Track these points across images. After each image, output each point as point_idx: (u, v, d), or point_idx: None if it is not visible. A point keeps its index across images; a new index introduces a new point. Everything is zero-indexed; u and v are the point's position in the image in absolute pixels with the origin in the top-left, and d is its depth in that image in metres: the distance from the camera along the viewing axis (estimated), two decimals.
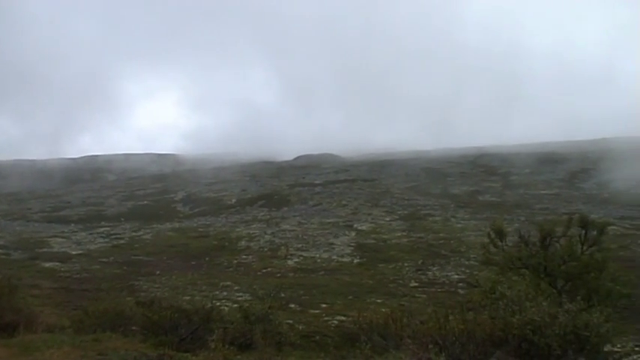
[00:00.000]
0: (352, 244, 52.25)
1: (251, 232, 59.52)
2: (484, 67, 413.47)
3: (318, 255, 48.60)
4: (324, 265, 45.40)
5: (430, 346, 11.40)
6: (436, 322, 12.11)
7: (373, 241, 53.59)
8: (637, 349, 26.70)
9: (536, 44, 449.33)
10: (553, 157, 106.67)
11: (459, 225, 59.68)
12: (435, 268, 42.99)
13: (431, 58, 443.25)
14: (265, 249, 51.58)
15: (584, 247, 19.34)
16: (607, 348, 25.60)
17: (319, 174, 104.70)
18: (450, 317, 12.23)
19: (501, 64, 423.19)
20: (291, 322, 27.41)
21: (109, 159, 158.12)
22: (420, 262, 44.81)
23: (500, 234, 19.49)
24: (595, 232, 19.62)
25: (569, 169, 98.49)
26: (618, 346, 26.63)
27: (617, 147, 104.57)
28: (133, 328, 18.93)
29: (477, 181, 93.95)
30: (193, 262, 47.51)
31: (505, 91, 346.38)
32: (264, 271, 43.79)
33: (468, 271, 40.64)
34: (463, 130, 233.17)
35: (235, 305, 28.02)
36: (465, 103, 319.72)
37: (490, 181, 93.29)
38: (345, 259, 47.21)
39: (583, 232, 19.46)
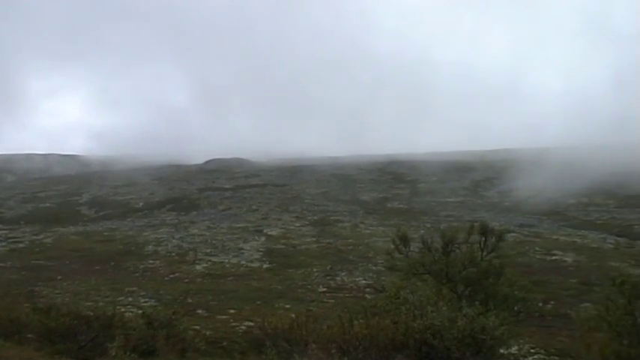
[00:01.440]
0: (262, 250, 52.18)
1: (159, 236, 58.49)
2: (396, 76, 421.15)
3: (227, 260, 48.28)
4: (233, 270, 45.13)
5: (333, 350, 11.55)
6: (340, 327, 12.28)
7: (283, 247, 53.71)
8: (532, 351, 27.94)
9: (445, 55, 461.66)
10: (459, 166, 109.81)
11: (368, 231, 60.62)
12: (343, 274, 43.41)
13: (344, 66, 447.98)
14: (173, 254, 50.78)
15: (484, 254, 20.06)
16: (505, 350, 26.72)
17: (229, 178, 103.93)
18: (354, 322, 12.42)
19: (412, 73, 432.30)
20: (198, 327, 27.13)
21: (9, 159, 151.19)
22: (328, 268, 45.15)
23: (405, 240, 19.96)
24: (494, 239, 20.37)
25: (473, 178, 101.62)
26: (515, 348, 27.77)
27: (519, 157, 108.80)
28: (29, 335, 18.21)
29: (386, 188, 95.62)
30: (97, 267, 46.23)
31: (415, 101, 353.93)
32: (171, 276, 43.11)
33: (375, 276, 41.30)
34: (374, 138, 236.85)
35: (140, 311, 27.53)
36: (377, 111, 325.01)
37: (398, 189, 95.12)
38: (254, 265, 47.09)
39: (483, 239, 20.18)
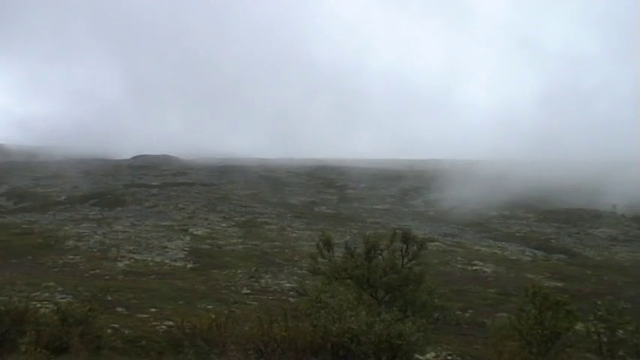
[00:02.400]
0: (186, 249, 51.59)
1: (80, 231, 57.06)
2: (331, 81, 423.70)
3: (150, 258, 47.49)
4: (156, 268, 44.43)
5: (250, 352, 11.57)
6: (259, 329, 12.31)
7: (208, 247, 53.25)
8: (449, 358, 28.57)
9: (379, 64, 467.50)
10: (388, 174, 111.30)
11: (294, 234, 60.79)
12: (267, 276, 43.38)
13: (280, 69, 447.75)
14: (94, 250, 49.61)
15: (405, 261, 20.44)
16: (422, 357, 27.26)
17: (157, 175, 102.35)
18: (274, 324, 12.48)
19: (347, 80, 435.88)
20: (116, 326, 26.60)
21: None
22: (253, 270, 45.03)
23: (329, 245, 20.15)
24: (415, 247, 20.79)
25: (401, 187, 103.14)
26: (433, 354, 28.36)
27: (447, 168, 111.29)
28: None
29: (315, 192, 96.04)
30: (14, 261, 44.68)
31: (349, 107, 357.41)
32: (91, 272, 42.09)
33: (299, 279, 41.38)
34: (306, 142, 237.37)
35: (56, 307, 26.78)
36: (310, 115, 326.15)
37: (327, 194, 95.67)
38: (178, 264, 46.49)
39: (405, 246, 20.56)
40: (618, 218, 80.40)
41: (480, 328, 31.70)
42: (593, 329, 9.83)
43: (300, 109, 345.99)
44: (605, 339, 9.31)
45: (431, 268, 45.02)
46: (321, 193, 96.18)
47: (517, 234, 70.76)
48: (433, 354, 28.28)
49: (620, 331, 9.22)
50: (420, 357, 26.72)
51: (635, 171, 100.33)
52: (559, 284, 43.81)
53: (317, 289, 17.22)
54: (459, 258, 53.45)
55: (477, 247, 59.74)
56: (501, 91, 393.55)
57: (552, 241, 67.35)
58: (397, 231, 21.63)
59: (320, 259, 20.39)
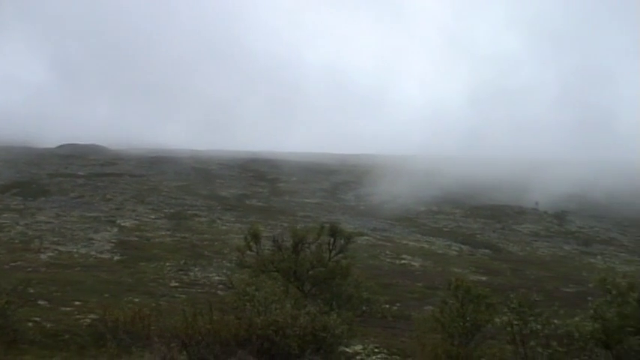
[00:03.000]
0: (113, 241, 50.58)
1: (1, 221, 55.24)
2: (266, 74, 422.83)
3: (75, 250, 46.36)
4: (81, 260, 43.37)
5: (172, 344, 11.49)
6: (184, 322, 12.23)
7: (136, 239, 52.37)
8: (376, 350, 28.96)
9: (316, 58, 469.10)
10: (320, 168, 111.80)
11: (224, 227, 60.41)
12: (196, 269, 42.99)
13: (215, 60, 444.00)
14: (16, 241, 48.08)
15: (332, 255, 20.63)
16: (350, 349, 27.56)
17: (84, 165, 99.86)
18: (198, 317, 12.41)
19: (283, 73, 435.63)
20: (38, 319, 25.88)
21: None
22: (182, 262, 44.54)
23: (256, 238, 20.14)
24: (342, 241, 20.99)
25: (333, 181, 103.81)
26: (360, 347, 28.70)
27: (378, 164, 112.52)
28: None
29: (246, 185, 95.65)
30: None
31: (283, 100, 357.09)
32: (12, 264, 40.72)
33: (229, 272, 41.13)
34: (238, 134, 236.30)
35: None
36: (244, 107, 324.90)
37: (258, 186, 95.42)
38: (104, 256, 45.53)
39: (332, 240, 20.74)
40: (540, 215, 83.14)
41: (407, 320, 32.22)
42: (507, 321, 10.22)
43: (234, 101, 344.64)
44: (518, 330, 9.69)
45: (360, 262, 45.66)
46: (252, 185, 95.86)
47: (444, 229, 72.31)
48: (360, 346, 28.63)
49: (532, 323, 9.59)
50: (347, 349, 27.05)
51: (557, 169, 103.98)
52: (483, 278, 45.00)
53: (244, 282, 17.20)
54: (387, 252, 54.20)
55: (405, 242, 60.72)
56: (432, 89, 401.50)
57: (478, 236, 69.11)
58: (325, 225, 21.77)
59: (248, 252, 20.39)
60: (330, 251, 20.57)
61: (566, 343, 9.10)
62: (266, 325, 12.04)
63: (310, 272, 19.34)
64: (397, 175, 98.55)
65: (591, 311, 9.41)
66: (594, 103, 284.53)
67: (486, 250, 60.47)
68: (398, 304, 36.79)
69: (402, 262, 50.93)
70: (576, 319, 9.45)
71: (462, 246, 61.38)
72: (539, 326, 9.44)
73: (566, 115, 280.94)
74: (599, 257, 59.64)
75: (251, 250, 20.22)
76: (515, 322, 9.87)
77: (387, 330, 30.87)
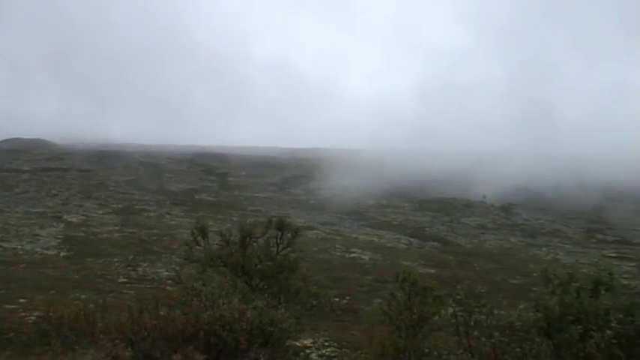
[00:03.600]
0: (60, 237, 49.59)
1: None
2: (214, 67, 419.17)
3: (20, 246, 45.29)
4: (26, 257, 42.41)
5: (117, 341, 11.33)
6: (129, 318, 12.06)
7: (83, 235, 51.45)
8: (326, 344, 29.09)
9: (264, 51, 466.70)
10: (269, 162, 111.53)
11: (174, 222, 59.82)
12: (145, 265, 42.55)
13: (162, 54, 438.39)
14: None
15: (280, 248, 20.64)
16: (300, 344, 27.60)
17: (29, 160, 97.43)
18: (144, 313, 12.25)
19: (231, 66, 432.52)
20: None
21: None
22: (130, 258, 44.03)
23: (204, 232, 20.01)
24: (290, 235, 21.01)
25: (283, 175, 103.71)
26: (310, 340, 28.80)
27: (328, 157, 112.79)
28: None
29: (195, 179, 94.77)
30: None
31: (232, 94, 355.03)
32: None
33: (178, 268, 40.72)
34: (187, 128, 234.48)
35: None
36: (192, 101, 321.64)
37: (208, 181, 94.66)
38: (50, 252, 44.62)
39: (279, 234, 20.74)
40: (488, 208, 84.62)
41: (357, 314, 32.44)
42: (451, 312, 10.40)
43: (182, 95, 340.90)
44: (462, 321, 9.88)
45: (310, 256, 45.82)
46: (201, 180, 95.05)
47: (394, 222, 72.96)
48: (310, 340, 28.75)
49: (476, 314, 9.78)
50: (297, 344, 27.10)
51: (504, 162, 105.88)
52: (432, 271, 45.60)
53: (192, 277, 17.06)
54: (337, 246, 54.45)
55: (355, 235, 61.07)
56: (382, 83, 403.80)
57: (427, 229, 69.94)
58: (272, 218, 21.76)
59: (195, 247, 20.25)
60: (278, 245, 20.57)
61: (509, 333, 9.30)
62: (213, 320, 11.94)
63: (258, 266, 19.31)
64: (347, 169, 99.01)
65: (534, 301, 9.67)
66: (540, 97, 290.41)
67: (435, 243, 61.26)
68: (348, 298, 37.02)
69: (352, 255, 51.23)
70: (520, 308, 9.66)
71: (411, 239, 62.05)
72: (483, 317, 9.62)
73: (513, 109, 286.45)
74: (544, 249, 61.01)
75: (198, 245, 20.09)
76: (460, 314, 10.04)
77: (337, 323, 31.04)
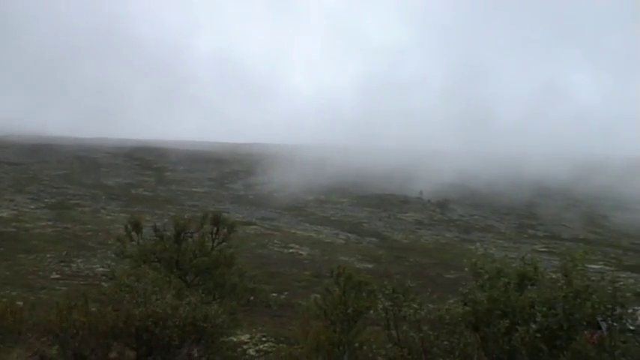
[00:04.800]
0: None
1: None
2: (154, 61, 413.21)
3: None
4: None
5: (44, 339, 11.08)
6: (57, 315, 11.81)
7: (13, 230, 50.02)
8: (264, 339, 29.08)
9: (206, 44, 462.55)
10: (208, 157, 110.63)
11: (109, 217, 58.72)
12: (79, 260, 41.78)
13: (100, 44, 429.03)
14: None
15: (215, 244, 20.48)
16: (237, 339, 27.48)
17: None
18: (74, 310, 12.01)
19: (172, 60, 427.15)
20: None
21: None
22: (64, 254, 43.14)
23: (138, 227, 19.70)
24: (226, 230, 20.88)
25: (221, 170, 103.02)
26: (247, 336, 28.73)
27: (268, 153, 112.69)
28: None
29: (132, 174, 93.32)
30: None
31: (172, 88, 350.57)
32: None
33: (113, 263, 40.05)
34: (125, 121, 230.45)
35: None
36: (130, 94, 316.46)
37: (145, 175, 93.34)
38: None
39: (215, 229, 20.59)
40: (424, 203, 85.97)
41: (295, 309, 32.53)
42: (381, 306, 10.55)
43: (120, 87, 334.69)
44: (391, 315, 10.02)
45: (248, 251, 45.71)
46: (138, 174, 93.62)
47: (332, 218, 73.34)
48: (247, 336, 28.69)
49: (405, 308, 9.94)
50: (234, 339, 26.99)
51: (440, 159, 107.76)
52: (369, 266, 46.06)
53: (124, 273, 16.81)
54: (276, 241, 54.45)
55: (293, 231, 61.15)
56: (324, 79, 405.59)
57: (364, 224, 70.59)
58: (208, 213, 21.60)
59: (129, 242, 19.91)
60: (214, 240, 20.42)
61: (438, 326, 9.48)
62: (145, 317, 11.79)
63: (193, 262, 19.12)
64: (287, 165, 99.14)
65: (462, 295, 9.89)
66: (477, 96, 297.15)
67: (372, 239, 61.88)
68: (286, 293, 37.14)
69: (290, 251, 51.32)
70: (449, 302, 9.86)
71: (349, 234, 62.50)
72: (411, 311, 9.79)
73: (450, 107, 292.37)
74: (478, 244, 62.33)
75: (132, 240, 19.78)
76: (390, 308, 10.19)
77: (275, 319, 31.16)
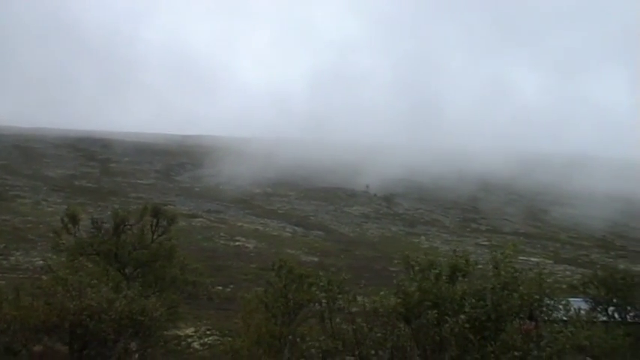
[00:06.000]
0: None
1: None
2: (100, 48, 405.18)
3: None
4: None
5: None
6: None
7: None
8: (208, 332, 28.90)
9: (154, 35, 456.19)
10: (154, 149, 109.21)
11: (51, 209, 57.37)
12: (18, 253, 40.82)
13: (43, 31, 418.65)
14: None
15: (155, 236, 20.19)
16: (182, 333, 27.24)
17: None
18: (4, 304, 11.72)
19: (118, 47, 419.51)
20: None
21: None
22: (2, 247, 42.11)
23: (74, 220, 19.29)
24: (166, 222, 20.61)
25: (168, 162, 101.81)
26: (192, 329, 28.51)
27: (216, 145, 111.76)
28: None
29: (75, 165, 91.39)
30: None
31: (118, 77, 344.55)
32: None
33: (54, 257, 39.26)
34: (68, 112, 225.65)
35: None
36: (74, 83, 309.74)
37: (89, 167, 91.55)
38: None
39: (155, 221, 20.29)
40: (371, 197, 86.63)
41: (240, 302, 32.41)
42: (315, 299, 10.60)
43: (64, 76, 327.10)
44: (325, 307, 10.08)
45: (194, 244, 45.30)
46: (82, 166, 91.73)
47: (279, 211, 73.21)
48: (192, 329, 28.48)
49: (340, 300, 10.00)
50: (179, 333, 26.75)
51: (387, 153, 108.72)
52: (315, 259, 46.17)
53: (62, 266, 16.49)
54: (222, 234, 54.09)
55: (240, 224, 60.82)
56: (274, 72, 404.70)
57: (311, 218, 70.65)
58: (147, 205, 21.29)
59: (67, 235, 19.49)
60: (153, 233, 20.12)
61: (372, 318, 9.55)
62: (79, 311, 11.57)
63: (132, 254, 18.81)
64: (235, 157, 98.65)
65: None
66: (425, 91, 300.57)
67: (319, 232, 62.00)
68: (231, 286, 36.94)
69: (237, 243, 51.07)
70: (380, 294, 9.94)
71: (296, 228, 62.51)
72: (345, 303, 9.85)
73: (399, 102, 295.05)
74: (423, 237, 63.09)
75: (69, 233, 19.35)
76: (324, 300, 10.24)
77: (220, 312, 31.01)
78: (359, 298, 10.35)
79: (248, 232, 56.96)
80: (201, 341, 27.60)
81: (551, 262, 52.41)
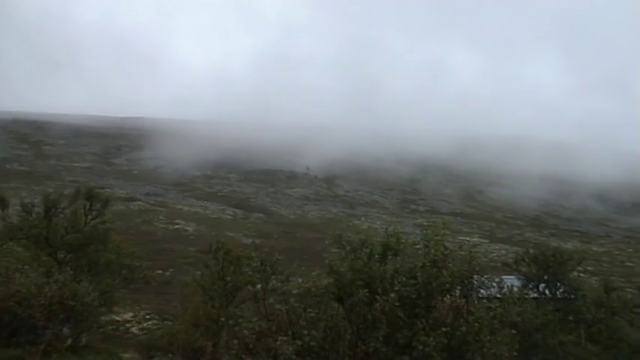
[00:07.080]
0: None
1: None
2: (32, 29, 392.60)
3: None
4: None
5: None
6: None
7: None
8: (148, 317, 28.54)
9: (91, 14, 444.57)
10: (90, 131, 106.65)
11: None
12: None
13: None
14: None
15: (88, 219, 19.73)
16: (120, 318, 26.82)
17: None
18: None
19: (52, 28, 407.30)
20: None
21: None
22: None
23: (3, 204, 18.69)
24: (100, 205, 20.16)
25: (105, 144, 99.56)
26: (131, 314, 28.10)
27: (156, 128, 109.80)
28: None
29: (7, 148, 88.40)
30: None
31: (52, 58, 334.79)
32: None
33: None
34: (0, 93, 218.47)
35: None
36: (6, 63, 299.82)
37: (21, 149, 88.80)
38: None
39: (88, 204, 19.83)
40: (311, 179, 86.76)
41: (179, 286, 32.09)
42: (248, 279, 10.58)
43: None
44: (259, 288, 10.06)
45: (132, 228, 44.54)
46: (14, 148, 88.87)
47: (219, 193, 72.67)
48: (131, 314, 28.07)
49: (273, 281, 10.00)
50: (116, 318, 26.32)
51: (328, 135, 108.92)
52: (256, 241, 45.98)
53: None
54: (161, 217, 53.43)
55: (179, 207, 60.15)
56: (216, 52, 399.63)
57: (251, 200, 70.38)
58: (80, 188, 20.79)
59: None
60: (87, 216, 19.65)
61: (304, 298, 9.56)
62: (6, 297, 11.24)
63: (64, 238, 18.34)
64: (174, 140, 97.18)
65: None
66: (365, 73, 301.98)
67: (259, 214, 61.85)
68: (171, 270, 36.57)
69: (176, 227, 50.53)
70: (313, 274, 9.95)
71: (236, 210, 62.20)
72: (278, 284, 9.85)
73: (340, 83, 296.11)
74: (363, 219, 63.56)
75: None
76: (258, 281, 10.23)
77: (160, 296, 30.65)
78: (293, 279, 10.32)
79: (188, 215, 56.41)
80: (140, 326, 27.29)
81: (487, 241, 53.58)
